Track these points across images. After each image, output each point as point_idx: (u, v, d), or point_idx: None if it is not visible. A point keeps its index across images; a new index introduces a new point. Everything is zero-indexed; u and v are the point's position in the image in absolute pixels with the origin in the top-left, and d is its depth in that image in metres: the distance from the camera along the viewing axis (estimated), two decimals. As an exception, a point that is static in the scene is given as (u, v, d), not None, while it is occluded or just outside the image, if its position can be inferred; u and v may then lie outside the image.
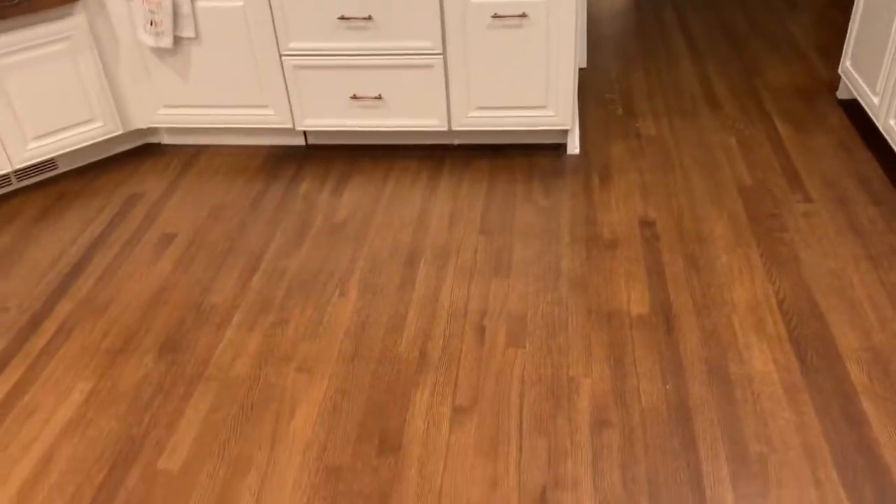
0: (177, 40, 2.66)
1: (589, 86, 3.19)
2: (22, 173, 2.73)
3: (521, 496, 1.57)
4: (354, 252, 2.31)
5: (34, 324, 2.12)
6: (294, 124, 2.77)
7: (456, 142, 2.83)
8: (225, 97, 2.76)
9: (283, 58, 2.63)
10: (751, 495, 1.54)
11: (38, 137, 2.65)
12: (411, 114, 2.69)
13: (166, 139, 2.97)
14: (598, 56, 3.45)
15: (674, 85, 3.16)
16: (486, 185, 2.60)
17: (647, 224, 2.34)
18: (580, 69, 3.32)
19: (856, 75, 2.76)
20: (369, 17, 2.51)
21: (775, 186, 2.48)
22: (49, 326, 2.10)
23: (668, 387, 1.79)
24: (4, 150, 2.59)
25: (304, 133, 2.89)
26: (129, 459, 1.70)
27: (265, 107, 2.76)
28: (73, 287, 2.25)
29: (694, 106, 2.98)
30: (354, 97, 2.67)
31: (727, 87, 3.12)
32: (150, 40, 2.64)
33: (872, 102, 2.58)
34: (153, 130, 2.95)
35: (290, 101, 2.72)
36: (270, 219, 2.50)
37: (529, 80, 2.55)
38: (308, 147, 2.89)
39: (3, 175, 2.67)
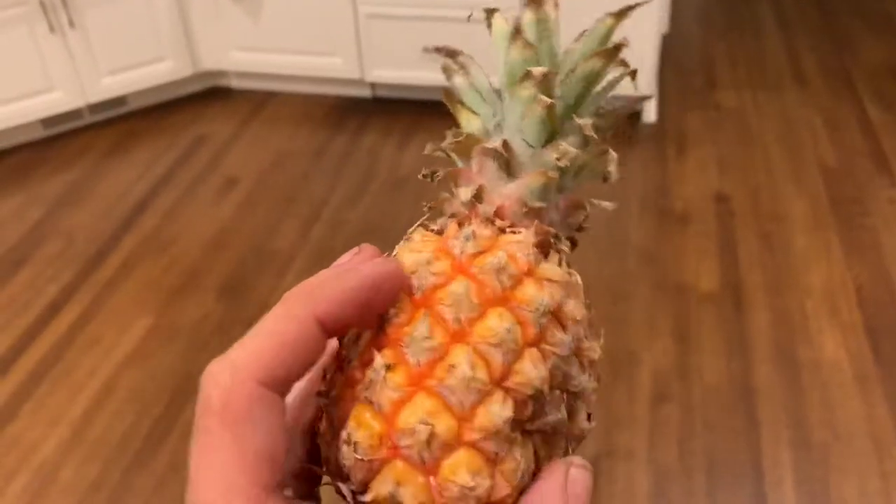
0: (252, -17, 2.64)
1: (669, 52, 3.07)
2: (94, 108, 2.77)
3: (574, 464, 1.54)
4: (416, 208, 2.28)
5: (100, 256, 2.16)
6: (363, 75, 2.74)
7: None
8: (295, 43, 2.74)
9: (357, 6, 2.59)
10: (811, 481, 1.49)
11: (112, 73, 2.68)
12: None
13: (235, 83, 2.97)
14: (681, 22, 3.31)
15: (758, 56, 3.02)
16: (554, 148, 2.53)
17: (722, 199, 2.25)
18: (661, 35, 3.20)
19: (957, 56, 2.59)
20: (447, -32, 2.45)
21: (860, 170, 2.35)
22: (114, 260, 2.14)
23: (732, 366, 1.73)
24: (80, 83, 2.62)
25: (372, 85, 2.86)
26: (186, 395, 1.73)
27: (334, 55, 2.73)
28: (137, 223, 2.28)
29: (778, 80, 2.85)
30: (426, 50, 2.62)
31: (815, 61, 2.96)
32: (225, -18, 2.63)
33: (974, 86, 2.42)
34: (223, 74, 2.96)
35: (360, 52, 2.69)
36: (334, 169, 2.49)
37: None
38: (374, 100, 2.86)
39: (77, 109, 2.71)
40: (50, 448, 1.63)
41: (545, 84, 0.31)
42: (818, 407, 1.63)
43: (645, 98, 0.33)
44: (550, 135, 0.32)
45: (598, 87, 0.33)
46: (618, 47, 0.32)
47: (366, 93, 2.87)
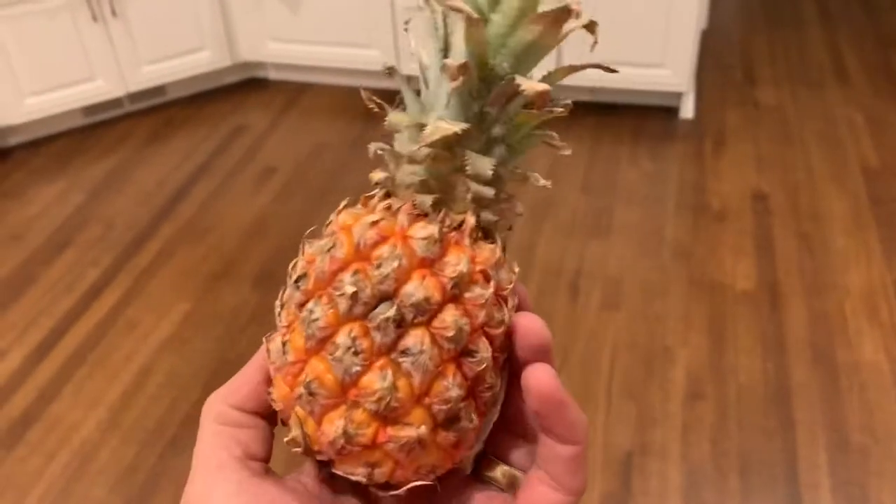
0: (291, -26, 2.66)
1: (708, 47, 3.03)
2: (134, 97, 2.81)
3: (606, 458, 1.54)
4: (451, 200, 2.28)
5: (138, 243, 2.19)
6: (399, 67, 2.74)
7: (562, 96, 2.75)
8: (332, 35, 2.76)
9: (395, -2, 2.59)
10: (849, 485, 1.47)
11: (152, 62, 2.71)
12: (519, 64, 2.61)
13: (272, 74, 3.00)
14: (720, 16, 3.27)
15: (799, 52, 2.97)
16: (589, 143, 2.52)
17: (759, 197, 2.22)
18: (701, 30, 3.16)
19: None
20: (485, -39, 2.44)
21: (903, 169, 2.31)
22: (152, 247, 2.17)
23: (768, 366, 1.71)
24: (121, 72, 2.66)
25: (408, 78, 2.85)
26: (222, 380, 1.74)
27: (371, 47, 2.74)
28: (176, 211, 2.31)
29: (820, 76, 2.80)
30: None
31: (858, 58, 2.91)
32: (264, -27, 2.65)
33: None
34: (260, 65, 2.98)
35: (396, 44, 2.70)
36: (369, 161, 2.49)
37: (648, 36, 2.44)
38: (410, 92, 2.86)
39: (117, 98, 2.75)
40: (89, 429, 1.66)
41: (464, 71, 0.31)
42: (857, 409, 1.61)
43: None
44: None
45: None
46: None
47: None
